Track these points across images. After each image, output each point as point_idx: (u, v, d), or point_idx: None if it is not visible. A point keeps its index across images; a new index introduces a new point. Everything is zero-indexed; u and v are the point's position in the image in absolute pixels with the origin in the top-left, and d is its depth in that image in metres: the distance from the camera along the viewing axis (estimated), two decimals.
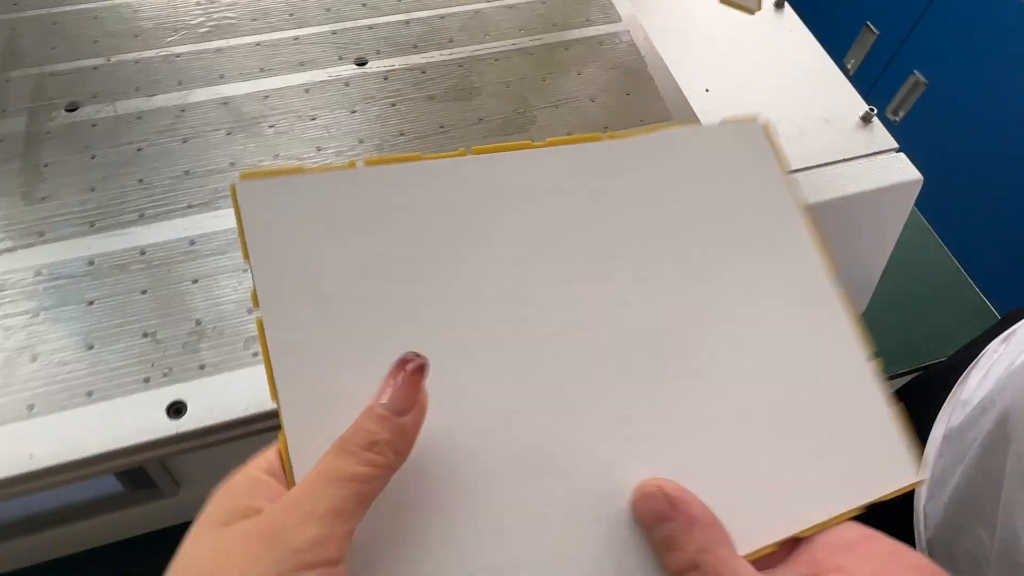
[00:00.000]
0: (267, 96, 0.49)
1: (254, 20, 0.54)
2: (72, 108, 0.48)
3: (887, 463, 0.33)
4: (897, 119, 1.37)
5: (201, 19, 0.53)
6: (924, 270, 0.90)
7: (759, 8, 0.48)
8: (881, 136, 0.65)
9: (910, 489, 0.32)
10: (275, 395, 0.28)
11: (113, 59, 0.51)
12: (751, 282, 0.37)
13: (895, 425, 0.34)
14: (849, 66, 1.46)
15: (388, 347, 0.29)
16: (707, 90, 0.65)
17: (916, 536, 0.48)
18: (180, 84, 0.50)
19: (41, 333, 0.39)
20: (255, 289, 0.28)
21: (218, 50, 0.52)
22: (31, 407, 0.36)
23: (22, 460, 0.35)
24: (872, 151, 0.64)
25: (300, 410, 0.29)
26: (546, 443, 0.31)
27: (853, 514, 0.31)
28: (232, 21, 0.53)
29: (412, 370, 0.27)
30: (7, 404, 0.36)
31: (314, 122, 0.48)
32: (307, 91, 0.50)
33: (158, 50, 0.52)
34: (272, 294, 0.29)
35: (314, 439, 0.27)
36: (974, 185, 1.26)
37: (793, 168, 0.63)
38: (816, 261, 0.38)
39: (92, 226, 0.42)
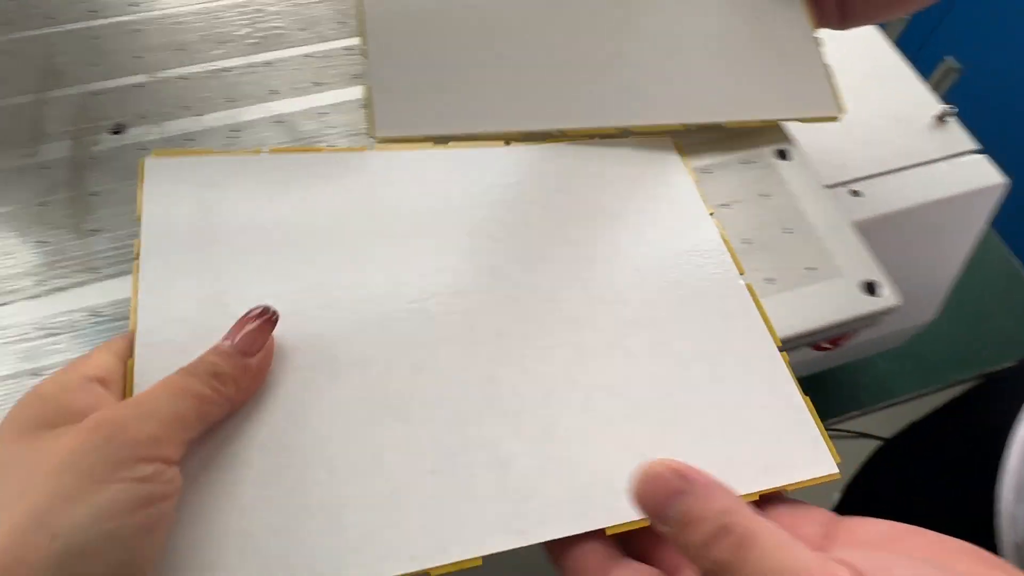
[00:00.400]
0: (324, 113, 0.46)
1: (302, 30, 0.50)
2: (117, 130, 0.45)
3: (804, 453, 0.33)
4: None
5: (247, 30, 0.50)
6: (982, 270, 0.86)
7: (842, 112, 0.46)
8: (958, 137, 0.61)
9: (827, 481, 0.33)
10: (133, 322, 0.33)
11: (158, 75, 0.48)
12: (664, 270, 0.38)
13: (810, 417, 0.34)
14: None
15: (251, 296, 0.33)
16: None
17: (999, 541, 0.46)
18: (231, 101, 0.47)
19: None
20: (138, 239, 0.36)
21: (267, 63, 0.49)
22: None
23: None
24: (950, 153, 0.61)
25: (153, 337, 0.32)
26: (401, 393, 0.32)
27: (756, 496, 0.31)
28: (280, 31, 0.50)
29: (262, 318, 0.31)
30: None
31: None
32: (364, 106, 0.46)
33: (204, 64, 0.48)
34: (152, 243, 0.35)
35: (160, 362, 0.30)
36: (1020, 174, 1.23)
37: (865, 174, 0.59)
38: (726, 257, 0.39)
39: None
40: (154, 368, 0.31)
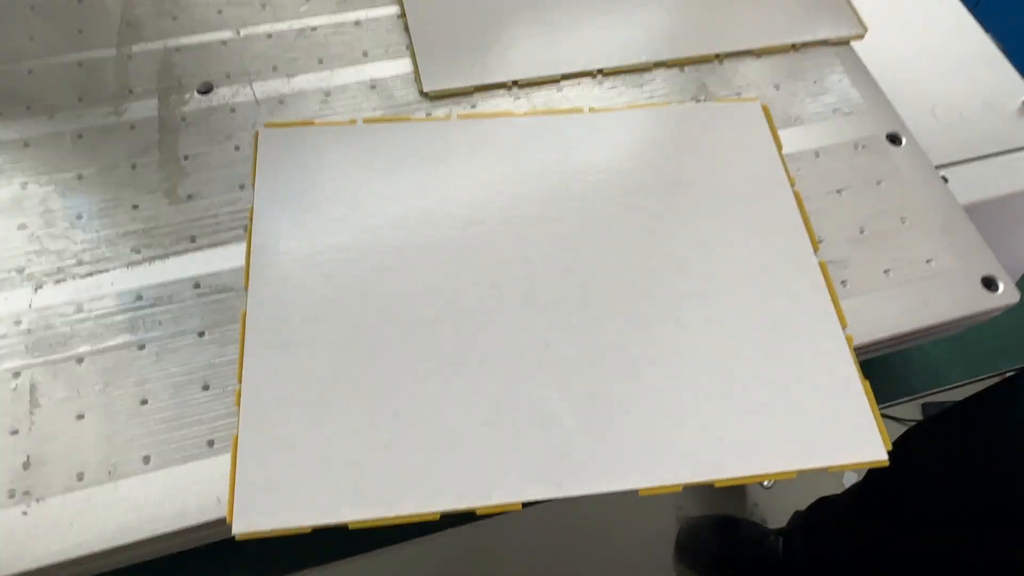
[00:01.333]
0: (412, 79, 0.44)
1: None
2: (206, 90, 0.43)
3: (856, 436, 0.34)
4: None
5: None
6: None
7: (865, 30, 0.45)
8: None
9: (877, 466, 0.33)
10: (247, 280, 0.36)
11: (243, 32, 0.46)
12: (733, 243, 0.39)
13: (867, 401, 0.35)
14: None
15: (340, 259, 0.37)
16: None
17: None
18: (321, 63, 0.45)
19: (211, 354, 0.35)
20: (252, 206, 0.38)
21: (357, 23, 0.47)
22: (210, 443, 0.33)
23: None
24: None
25: (262, 295, 0.36)
26: (463, 351, 0.34)
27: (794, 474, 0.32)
28: None
29: None
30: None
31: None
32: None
33: (291, 22, 0.46)
34: (263, 209, 0.38)
35: (266, 314, 0.35)
36: None
37: (952, 160, 0.57)
38: (802, 233, 0.39)
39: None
40: (262, 320, 0.35)
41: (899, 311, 0.38)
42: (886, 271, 0.39)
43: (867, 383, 0.35)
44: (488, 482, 0.31)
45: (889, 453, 0.33)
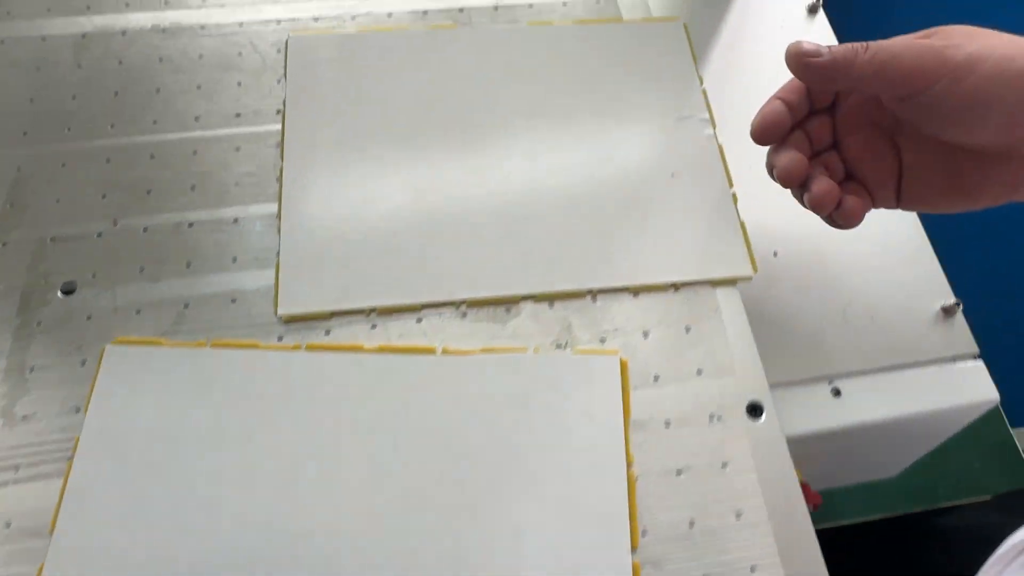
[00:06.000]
0: (267, 290, 0.44)
1: (267, 188, 0.48)
2: (69, 290, 0.44)
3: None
4: None
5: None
6: None
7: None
8: (961, 334, 0.56)
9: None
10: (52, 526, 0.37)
11: (120, 223, 0.46)
12: (547, 530, 0.38)
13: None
14: None
15: (162, 510, 0.37)
16: (775, 254, 0.57)
17: None
18: (189, 267, 0.45)
19: None
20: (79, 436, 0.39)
21: (235, 220, 0.47)
22: None
23: None
24: (946, 356, 0.55)
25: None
26: None
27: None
28: (254, 181, 0.48)
29: None
30: None
31: None
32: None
33: (171, 214, 0.46)
34: (89, 442, 0.39)
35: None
36: None
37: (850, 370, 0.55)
38: (624, 529, 0.38)
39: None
40: None
41: None
42: None
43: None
44: None
45: None
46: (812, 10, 0.69)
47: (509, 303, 0.44)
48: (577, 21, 0.56)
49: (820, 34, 0.68)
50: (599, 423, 0.41)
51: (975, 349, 0.56)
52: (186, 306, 0.43)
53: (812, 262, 0.58)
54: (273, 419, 0.40)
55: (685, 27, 0.56)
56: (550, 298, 0.45)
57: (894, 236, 0.59)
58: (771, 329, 0.54)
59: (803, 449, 0.50)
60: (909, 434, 0.59)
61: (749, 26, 0.67)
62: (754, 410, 0.43)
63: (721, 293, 0.46)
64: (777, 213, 0.58)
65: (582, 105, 0.51)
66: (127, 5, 0.55)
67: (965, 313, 0.56)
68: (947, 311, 0.57)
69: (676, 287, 0.46)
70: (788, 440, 0.45)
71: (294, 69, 0.52)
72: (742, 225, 0.48)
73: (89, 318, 0.43)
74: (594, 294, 0.45)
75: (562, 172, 0.48)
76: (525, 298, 0.45)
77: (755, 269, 0.46)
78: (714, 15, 0.68)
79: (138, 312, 0.43)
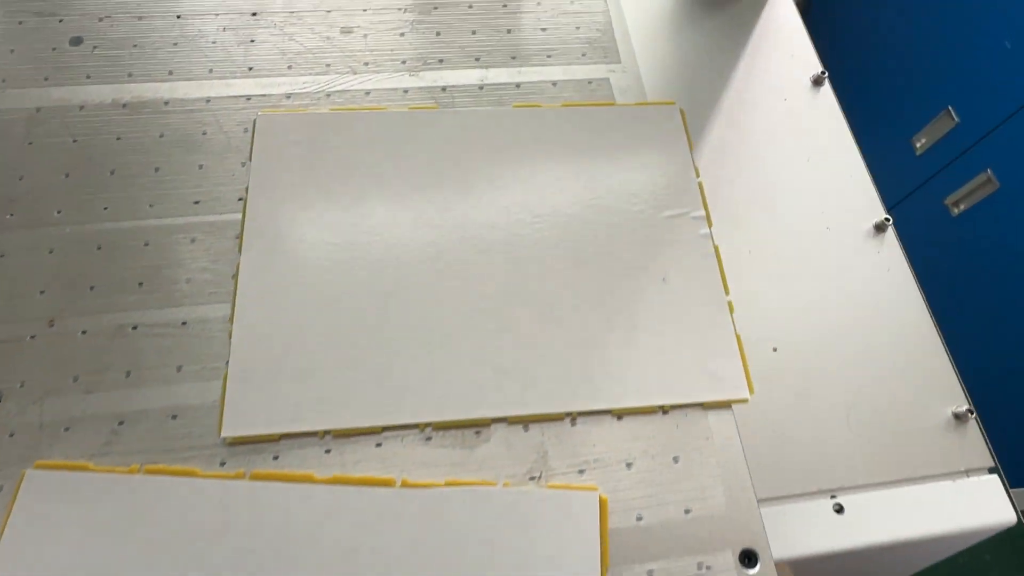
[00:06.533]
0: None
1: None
2: None
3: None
4: (957, 211, 1.23)
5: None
6: None
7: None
8: (974, 443, 0.51)
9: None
10: None
11: (57, 325, 0.42)
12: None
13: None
14: (918, 145, 1.31)
15: None
16: (774, 349, 0.53)
17: None
18: (128, 376, 0.41)
19: None
20: None
21: (183, 324, 0.43)
22: None
23: None
24: (958, 469, 0.51)
25: None
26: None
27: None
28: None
29: None
30: None
31: None
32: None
33: (116, 314, 0.42)
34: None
35: None
36: None
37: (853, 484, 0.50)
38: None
39: None
40: None
41: None
42: None
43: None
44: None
45: None
46: (817, 82, 0.66)
47: (479, 426, 0.40)
48: (566, 104, 0.52)
49: (825, 107, 0.64)
50: (573, 572, 0.36)
51: (990, 462, 0.51)
52: (121, 423, 0.39)
53: (814, 359, 0.54)
54: (210, 560, 0.35)
55: (681, 112, 0.53)
56: (524, 421, 0.41)
57: (903, 331, 0.55)
58: (768, 435, 0.50)
59: (801, 569, 0.46)
60: (917, 552, 0.54)
61: (749, 100, 0.63)
62: (748, 558, 0.38)
63: (714, 417, 0.42)
64: (777, 303, 0.55)
65: (568, 199, 0.47)
66: (88, 77, 0.51)
67: (979, 420, 0.52)
68: (959, 417, 0.52)
69: (665, 410, 0.41)
70: (784, 563, 0.40)
71: (260, 152, 0.48)
72: (738, 338, 0.43)
73: (12, 435, 0.39)
74: (573, 417, 0.41)
75: (544, 276, 0.44)
76: (497, 420, 0.40)
77: (752, 390, 0.42)
78: (714, 88, 0.64)
79: (67, 429, 0.39)
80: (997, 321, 1.04)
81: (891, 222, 0.59)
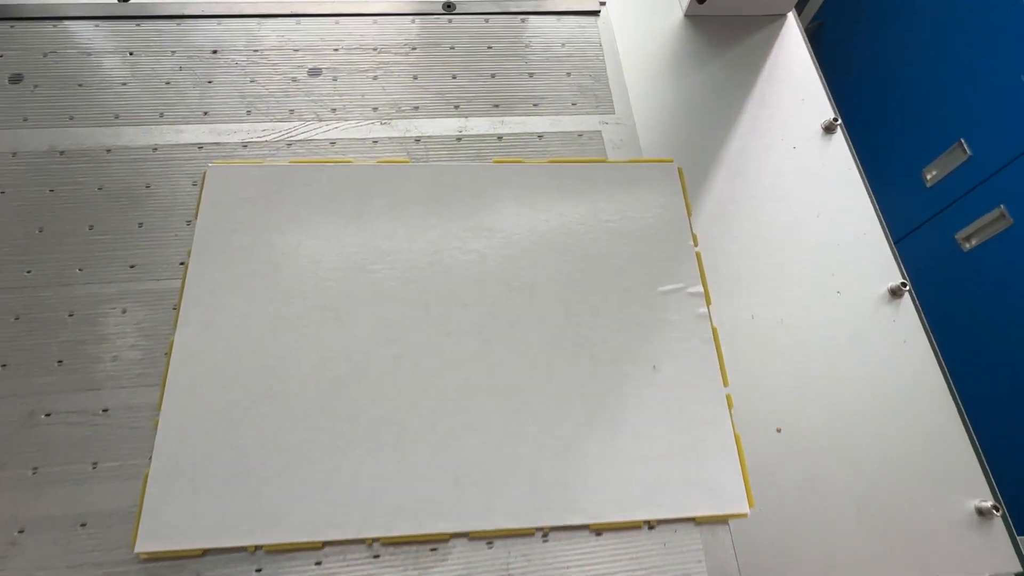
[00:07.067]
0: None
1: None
2: None
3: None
4: (968, 246, 1.17)
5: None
6: None
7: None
8: (1000, 542, 0.46)
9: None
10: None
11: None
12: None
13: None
14: (929, 177, 1.27)
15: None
16: (779, 430, 0.47)
17: None
18: (35, 472, 0.35)
19: None
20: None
21: (105, 410, 0.37)
22: None
23: None
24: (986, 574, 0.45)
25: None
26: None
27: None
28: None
29: None
30: None
31: None
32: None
33: (25, 399, 0.37)
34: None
35: None
36: None
37: None
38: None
39: None
40: None
41: None
42: None
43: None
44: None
45: None
46: (829, 129, 0.61)
47: (435, 542, 0.35)
48: (553, 160, 0.47)
49: (837, 156, 0.59)
50: None
51: (1018, 566, 0.46)
52: (21, 531, 0.34)
53: (821, 443, 0.48)
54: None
55: (680, 171, 0.48)
56: (488, 536, 0.35)
57: (920, 412, 0.49)
58: (770, 541, 0.44)
59: None
60: None
61: (755, 148, 0.58)
62: None
63: (707, 534, 0.36)
64: (782, 379, 0.49)
65: (551, 273, 0.42)
66: (25, 120, 0.46)
67: (1007, 517, 0.46)
68: (983, 513, 0.47)
69: (651, 525, 0.36)
70: None
71: (208, 209, 0.43)
72: (738, 440, 0.38)
73: None
74: (545, 532, 0.35)
75: (518, 363, 0.39)
76: (456, 536, 0.35)
77: (751, 503, 0.37)
78: (717, 136, 0.59)
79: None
80: (1014, 380, 0.98)
81: (907, 287, 0.53)
